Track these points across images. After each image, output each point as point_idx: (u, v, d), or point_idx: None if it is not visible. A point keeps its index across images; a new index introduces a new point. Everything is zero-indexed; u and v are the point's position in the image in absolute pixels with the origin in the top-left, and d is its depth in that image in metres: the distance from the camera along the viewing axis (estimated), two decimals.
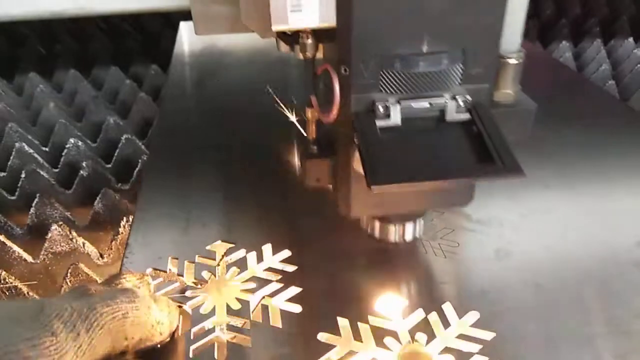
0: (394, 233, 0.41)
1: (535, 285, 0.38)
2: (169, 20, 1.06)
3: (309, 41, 0.32)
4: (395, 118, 0.31)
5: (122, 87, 0.92)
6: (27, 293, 0.51)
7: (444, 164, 0.30)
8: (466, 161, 0.30)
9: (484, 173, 0.29)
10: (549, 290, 0.37)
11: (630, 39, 0.99)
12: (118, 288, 0.30)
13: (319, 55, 0.34)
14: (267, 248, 0.41)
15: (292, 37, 0.33)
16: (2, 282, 0.49)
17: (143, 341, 0.29)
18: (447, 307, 0.35)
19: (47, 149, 0.78)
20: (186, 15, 0.91)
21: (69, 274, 0.48)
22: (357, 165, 0.33)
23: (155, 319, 0.30)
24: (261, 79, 0.74)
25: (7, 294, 0.50)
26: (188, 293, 0.37)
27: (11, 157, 0.73)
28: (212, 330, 0.34)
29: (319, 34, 0.32)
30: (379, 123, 0.31)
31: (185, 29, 0.92)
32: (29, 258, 0.56)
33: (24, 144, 0.74)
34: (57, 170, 0.73)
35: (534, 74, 0.75)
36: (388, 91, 0.31)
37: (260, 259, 0.40)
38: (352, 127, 0.31)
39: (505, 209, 0.46)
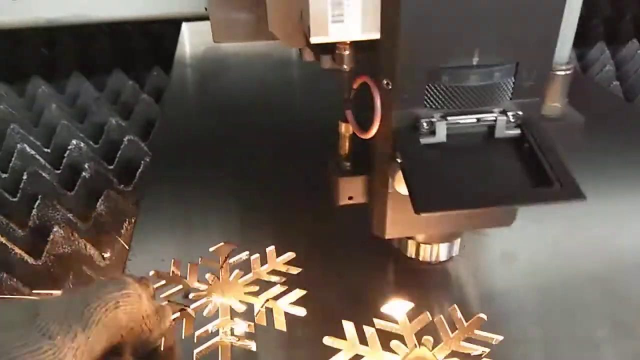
0: (429, 253, 0.38)
1: (542, 288, 0.37)
2: (172, 22, 1.06)
3: (347, 52, 0.30)
4: (441, 135, 0.29)
5: (125, 89, 0.91)
6: (30, 294, 0.51)
7: (496, 186, 0.28)
8: (519, 183, 0.28)
9: (542, 198, 0.27)
10: (555, 294, 0.37)
11: (634, 40, 0.98)
12: (109, 278, 0.30)
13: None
14: (271, 250, 0.41)
15: (322, 48, 0.31)
16: (5, 284, 0.49)
17: (136, 333, 0.29)
18: (454, 311, 0.35)
19: (49, 151, 0.78)
20: (188, 17, 0.91)
21: (71, 276, 0.48)
22: (398, 185, 0.31)
23: (145, 309, 0.30)
24: (263, 80, 0.74)
25: (10, 295, 0.50)
26: (191, 296, 0.37)
27: (13, 159, 0.73)
28: (215, 333, 0.34)
29: (357, 45, 0.30)
30: (423, 140, 0.29)
31: (187, 30, 0.92)
32: (31, 260, 0.56)
33: (26, 145, 0.73)
34: (59, 171, 0.73)
35: None
36: (433, 106, 0.29)
37: (264, 261, 0.40)
38: (392, 143, 0.30)
39: None
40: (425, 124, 0.29)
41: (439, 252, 0.38)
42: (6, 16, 0.79)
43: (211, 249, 0.41)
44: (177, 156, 0.57)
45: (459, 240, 0.38)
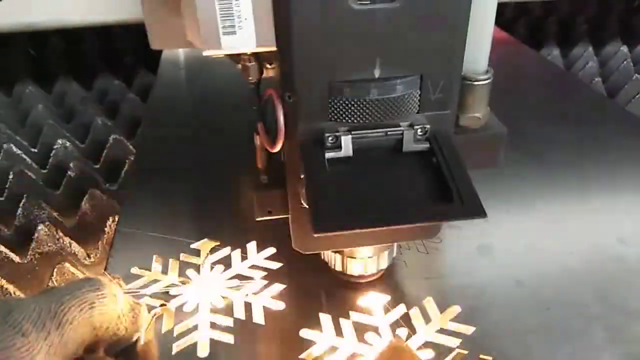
0: (357, 267, 0.36)
1: (516, 281, 0.38)
2: None
3: (251, 64, 0.29)
4: (347, 149, 0.28)
5: (111, 88, 0.91)
6: (14, 293, 0.51)
7: (398, 204, 0.27)
8: (423, 200, 0.27)
9: (441, 216, 0.27)
10: (529, 286, 0.38)
11: (618, 37, 1.00)
12: (83, 278, 0.30)
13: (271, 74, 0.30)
14: (251, 246, 0.41)
15: (234, 59, 0.30)
16: None
17: (111, 332, 0.29)
18: (429, 302, 0.36)
19: (35, 150, 0.78)
20: None
21: (54, 274, 0.48)
22: (305, 201, 0.30)
23: (121, 309, 0.30)
24: None
25: None
26: (172, 291, 0.37)
27: None
28: (194, 328, 0.34)
29: (264, 54, 0.29)
30: (328, 155, 0.28)
31: None
32: (17, 258, 0.56)
33: (12, 145, 0.73)
34: (45, 171, 0.73)
35: (522, 72, 0.75)
36: (338, 120, 0.28)
37: (245, 256, 0.40)
38: (299, 158, 0.28)
39: (488, 206, 0.46)
40: (330, 138, 0.28)
41: (367, 267, 0.36)
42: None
43: (193, 246, 0.42)
44: (160, 154, 0.57)
45: (386, 253, 0.36)
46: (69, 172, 0.67)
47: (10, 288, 0.51)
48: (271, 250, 0.41)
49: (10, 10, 0.75)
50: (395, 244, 0.37)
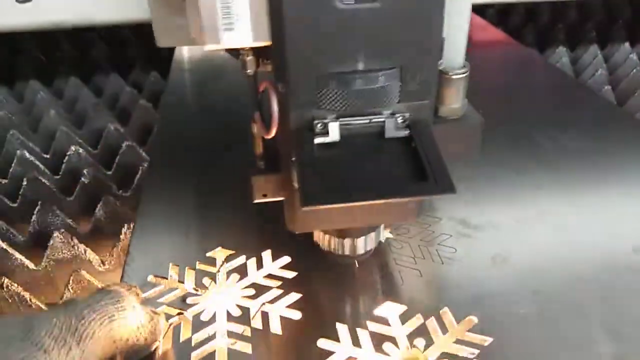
0: (346, 247, 0.39)
1: (532, 290, 0.38)
2: None
3: (249, 58, 0.32)
4: (334, 135, 0.31)
5: (122, 94, 0.92)
6: (30, 299, 0.51)
7: (379, 183, 0.30)
8: (401, 180, 0.30)
9: (415, 191, 0.29)
10: (546, 296, 0.38)
11: (627, 44, 1.00)
12: (103, 291, 0.30)
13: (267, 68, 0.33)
14: (267, 254, 0.41)
15: (234, 53, 0.33)
16: (5, 289, 0.50)
17: (130, 343, 0.30)
18: (445, 313, 0.36)
19: (48, 157, 0.79)
20: None
21: (71, 281, 0.48)
22: (296, 182, 0.33)
23: (140, 319, 0.30)
24: None
25: (10, 301, 0.50)
26: (189, 300, 0.37)
27: (13, 165, 0.74)
28: (212, 337, 0.35)
29: (260, 49, 0.32)
30: (317, 140, 0.31)
31: None
32: (31, 265, 0.56)
33: (25, 151, 0.74)
34: (58, 177, 0.74)
35: (532, 80, 0.75)
36: (326, 108, 0.31)
37: (260, 265, 0.41)
38: (291, 143, 0.32)
39: (502, 215, 0.46)
40: (319, 125, 0.31)
41: (356, 245, 0.39)
42: (8, 20, 0.79)
43: (208, 254, 0.42)
44: (174, 161, 0.57)
45: (374, 234, 0.39)
46: (82, 179, 0.68)
47: (26, 295, 0.52)
48: (286, 259, 0.41)
49: (38, 9, 0.76)
50: (382, 227, 0.40)
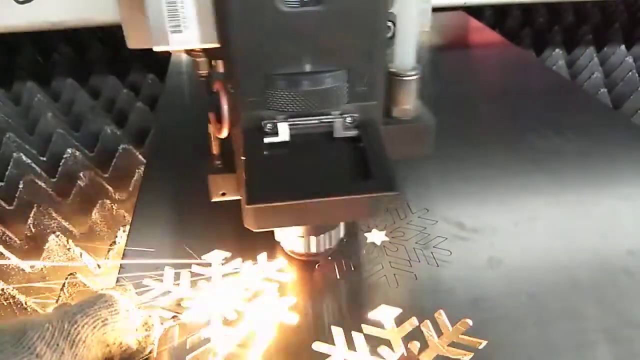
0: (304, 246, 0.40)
1: (527, 293, 0.38)
2: None
3: (201, 59, 0.33)
4: (283, 135, 0.31)
5: (119, 96, 0.92)
6: (25, 302, 0.51)
7: (324, 182, 0.30)
8: (347, 178, 0.30)
9: (358, 190, 0.30)
10: (540, 299, 0.38)
11: (622, 47, 1.00)
12: (96, 295, 0.30)
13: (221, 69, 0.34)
14: (262, 257, 0.41)
15: (189, 55, 0.33)
16: (0, 292, 0.50)
17: (124, 347, 0.30)
18: (440, 316, 0.36)
19: (44, 159, 0.79)
20: None
21: (66, 284, 0.48)
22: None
23: (134, 323, 0.30)
24: None
25: (6, 303, 0.50)
26: (184, 303, 0.37)
27: (9, 167, 0.73)
28: (207, 340, 0.35)
29: (212, 51, 0.32)
30: (267, 140, 0.31)
31: None
32: (27, 268, 0.56)
33: (21, 154, 0.74)
34: (54, 180, 0.74)
35: (528, 83, 0.76)
36: (276, 109, 0.31)
37: (256, 268, 0.41)
38: (242, 143, 0.32)
39: (498, 217, 0.46)
40: (269, 125, 0.31)
41: (309, 244, 0.39)
42: (6, 20, 0.80)
43: (204, 257, 0.42)
44: (171, 164, 0.57)
45: (331, 233, 0.39)
46: (78, 182, 0.68)
47: (22, 298, 0.52)
48: (282, 262, 0.41)
49: (39, 9, 0.76)
50: (342, 226, 0.40)
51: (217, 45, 0.30)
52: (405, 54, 0.35)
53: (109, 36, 1.08)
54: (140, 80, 0.97)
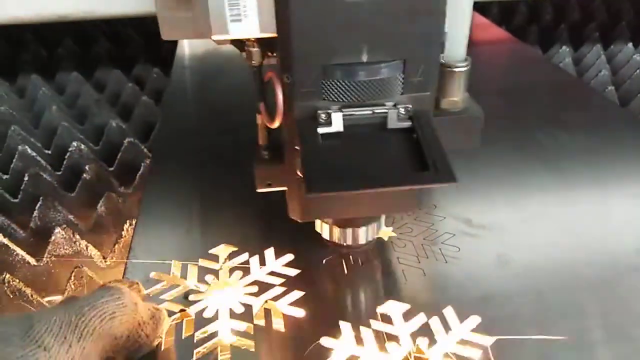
0: (348, 237, 0.40)
1: (536, 290, 0.38)
2: None
3: (255, 49, 0.33)
4: (337, 125, 0.31)
5: (124, 90, 0.92)
6: (31, 295, 0.51)
7: (381, 172, 0.30)
8: (403, 169, 0.30)
9: (417, 180, 0.30)
10: (549, 296, 0.38)
11: (630, 44, 0.99)
12: (103, 288, 0.30)
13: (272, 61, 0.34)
14: (270, 251, 0.41)
15: (240, 45, 0.33)
16: (6, 285, 0.50)
17: (132, 340, 0.30)
18: (448, 312, 0.36)
19: (49, 152, 0.79)
20: None
21: (72, 277, 0.48)
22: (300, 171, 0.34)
23: (142, 317, 0.30)
24: None
25: (11, 296, 0.50)
26: (191, 297, 0.37)
27: (14, 160, 0.73)
28: (215, 334, 0.34)
29: (265, 42, 0.32)
30: (321, 130, 0.31)
31: None
32: (32, 261, 0.56)
33: (26, 147, 0.74)
34: (60, 173, 0.74)
35: (533, 80, 0.75)
36: (330, 99, 0.31)
37: (263, 262, 0.40)
38: (295, 133, 0.32)
39: (506, 214, 0.46)
40: (323, 115, 0.31)
41: (359, 235, 0.39)
42: (12, 11, 0.79)
43: (211, 251, 0.42)
44: (176, 157, 0.57)
45: (376, 225, 0.40)
46: (84, 175, 0.68)
47: (28, 291, 0.52)
48: (289, 257, 0.41)
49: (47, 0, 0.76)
50: (383, 218, 0.41)
51: (274, 35, 0.30)
52: (457, 45, 0.35)
53: (114, 30, 1.08)
54: (145, 74, 0.97)
